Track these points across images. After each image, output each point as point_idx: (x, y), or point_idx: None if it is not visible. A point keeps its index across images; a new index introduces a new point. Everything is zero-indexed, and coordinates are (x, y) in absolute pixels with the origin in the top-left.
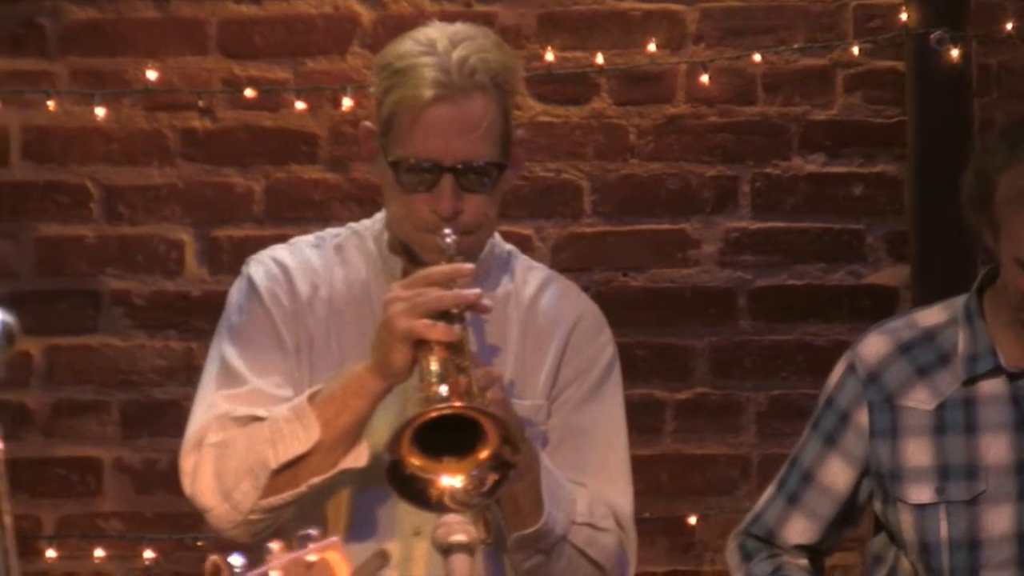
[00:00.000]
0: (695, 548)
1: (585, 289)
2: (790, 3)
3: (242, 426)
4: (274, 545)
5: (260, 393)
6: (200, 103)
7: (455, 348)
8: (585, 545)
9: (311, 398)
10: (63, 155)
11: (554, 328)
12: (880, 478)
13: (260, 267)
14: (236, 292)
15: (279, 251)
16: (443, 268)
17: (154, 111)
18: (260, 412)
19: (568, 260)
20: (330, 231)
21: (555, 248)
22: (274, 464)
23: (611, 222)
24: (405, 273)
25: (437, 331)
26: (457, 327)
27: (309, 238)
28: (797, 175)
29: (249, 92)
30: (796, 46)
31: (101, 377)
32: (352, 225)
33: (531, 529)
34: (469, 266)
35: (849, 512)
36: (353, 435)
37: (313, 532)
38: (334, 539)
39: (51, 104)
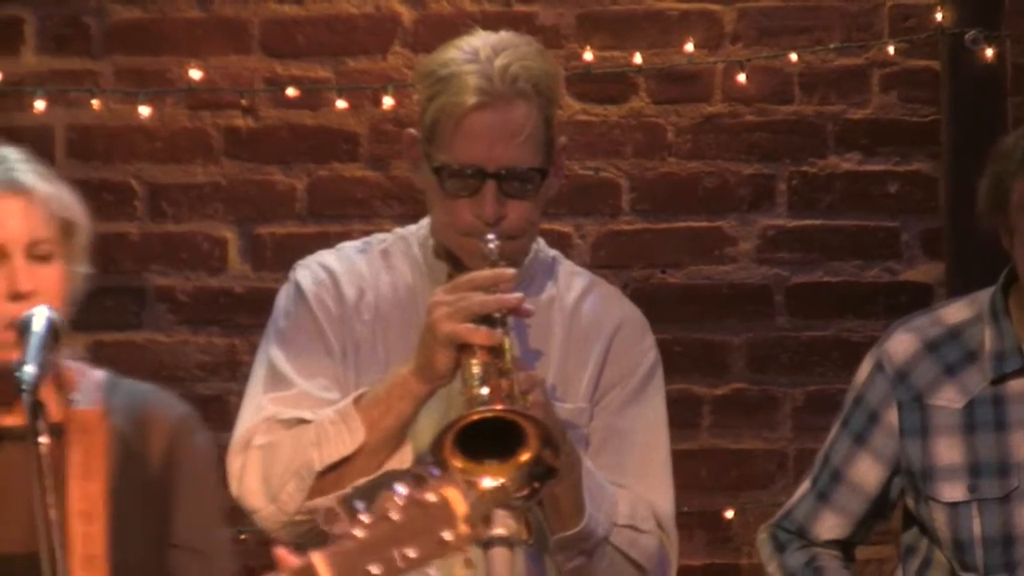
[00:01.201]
0: (732, 541)
1: (623, 286)
2: (826, 3)
3: (288, 428)
4: (401, 488)
5: (307, 396)
6: (243, 102)
7: (497, 352)
8: (627, 546)
9: (356, 401)
10: (108, 153)
11: (597, 333)
12: (911, 476)
13: (308, 273)
14: (284, 297)
15: (326, 257)
16: (486, 273)
17: (197, 110)
18: (306, 415)
19: (607, 257)
20: (376, 236)
21: (594, 245)
22: (319, 466)
23: (649, 220)
24: (450, 278)
25: (479, 335)
26: (499, 331)
27: (356, 243)
28: (833, 173)
29: (291, 91)
30: (832, 46)
31: (146, 372)
32: (398, 231)
33: (573, 531)
34: (511, 271)
35: (880, 508)
36: (397, 437)
37: (434, 471)
38: (453, 476)
39: (96, 103)
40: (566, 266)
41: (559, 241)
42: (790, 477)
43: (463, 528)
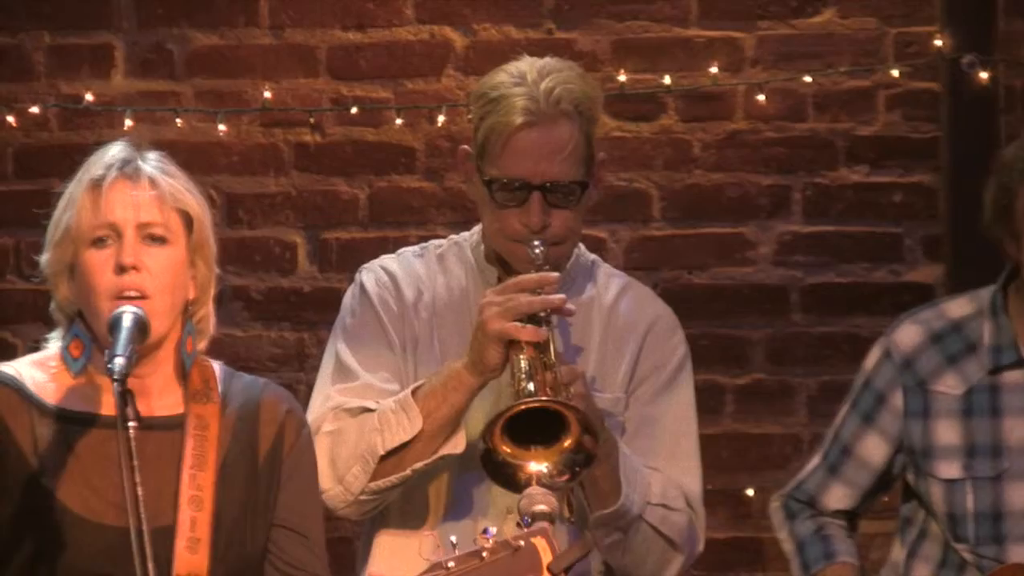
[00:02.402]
0: (752, 517)
1: (654, 286)
2: (837, 31)
3: (353, 416)
4: (492, 529)
5: (370, 387)
6: (311, 120)
7: (542, 348)
8: (659, 523)
9: (414, 392)
10: (189, 167)
11: (632, 329)
12: (912, 454)
13: (371, 275)
14: (350, 297)
15: (388, 261)
16: (532, 276)
17: (270, 127)
18: (370, 404)
19: (638, 260)
20: (433, 242)
21: (627, 249)
22: (382, 450)
23: (677, 226)
24: (499, 281)
25: (526, 332)
26: (544, 329)
27: (414, 248)
28: (843, 184)
29: (354, 110)
30: (842, 69)
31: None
32: (453, 237)
33: (610, 509)
34: (555, 275)
35: (883, 482)
36: (452, 425)
37: (542, 508)
38: (544, 526)
39: (179, 121)
40: (604, 269)
41: (596, 245)
42: (805, 459)
43: (546, 575)
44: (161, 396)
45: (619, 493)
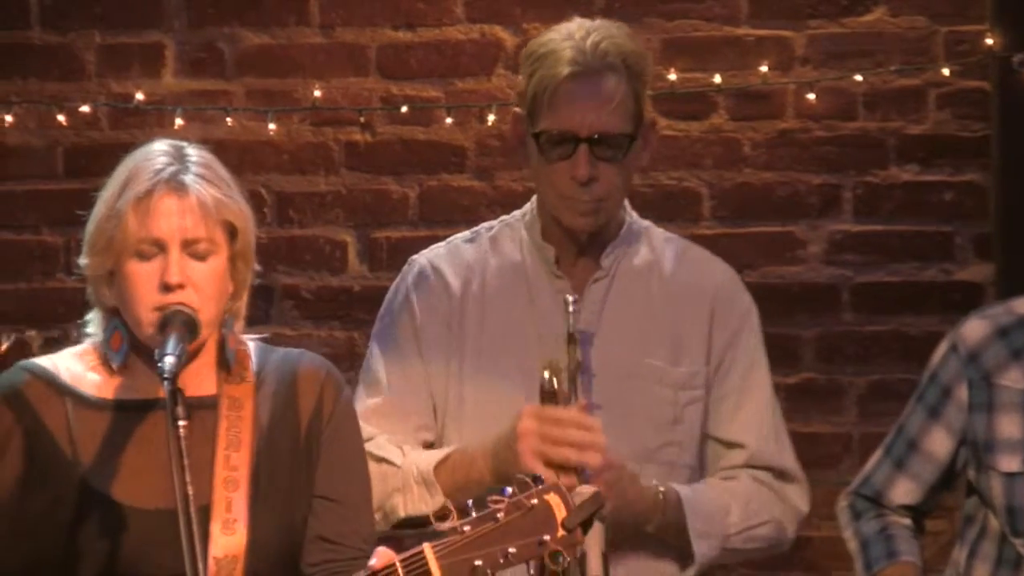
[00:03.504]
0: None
1: None
2: (887, 30)
3: (376, 463)
4: (508, 488)
5: (393, 405)
6: (361, 119)
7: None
8: (745, 543)
9: (437, 467)
10: (239, 165)
11: (700, 296)
12: (975, 448)
13: (415, 273)
14: (392, 292)
15: (436, 252)
16: (575, 417)
17: (320, 126)
18: (395, 458)
19: None
20: (484, 225)
21: None
22: (403, 514)
23: (727, 225)
24: (557, 262)
25: (562, 481)
26: (574, 479)
27: (465, 234)
28: (894, 183)
29: (404, 109)
30: (892, 68)
31: None
32: (504, 218)
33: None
34: (599, 426)
35: (948, 477)
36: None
37: (538, 475)
38: (556, 482)
39: (229, 120)
40: (658, 233)
41: None
42: (855, 457)
43: (561, 532)
44: (198, 378)
45: (691, 554)
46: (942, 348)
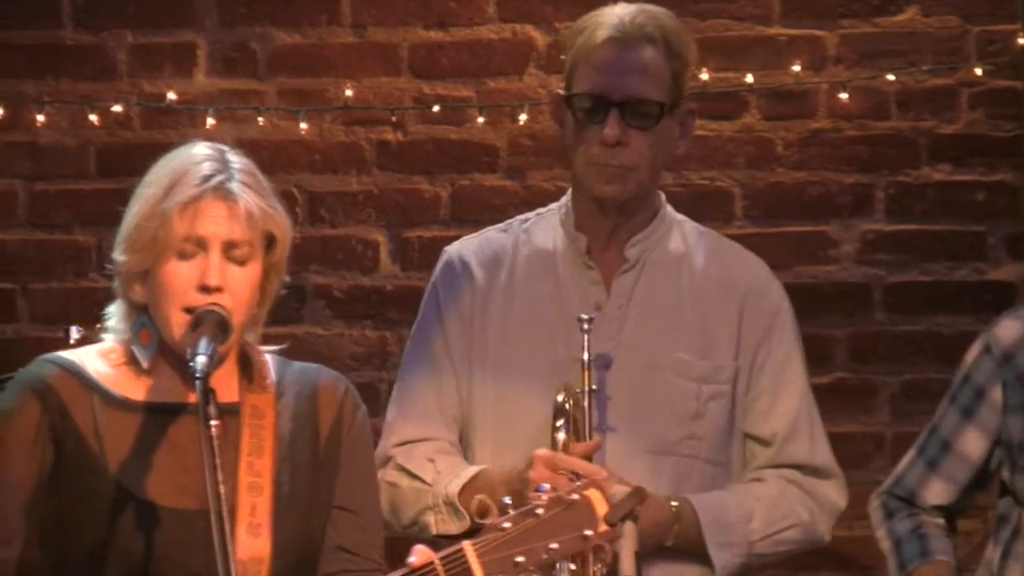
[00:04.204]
0: None
1: None
2: (919, 29)
3: (410, 479)
4: (545, 485)
5: (421, 415)
6: (393, 118)
7: None
8: (771, 548)
9: (462, 490)
10: (271, 165)
11: (730, 291)
12: (1009, 448)
13: (444, 265)
14: (426, 294)
15: (468, 244)
16: (586, 468)
17: (352, 125)
18: (426, 475)
19: None
20: (520, 216)
21: None
22: (435, 532)
23: (759, 224)
24: (589, 252)
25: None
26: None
27: (499, 225)
28: (926, 183)
29: (436, 108)
30: (925, 68)
31: (305, 362)
32: (540, 210)
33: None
34: (604, 472)
35: (982, 477)
36: None
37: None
38: (596, 479)
39: (261, 120)
40: (691, 225)
41: None
42: (887, 457)
43: (602, 527)
44: (220, 384)
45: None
46: (975, 349)
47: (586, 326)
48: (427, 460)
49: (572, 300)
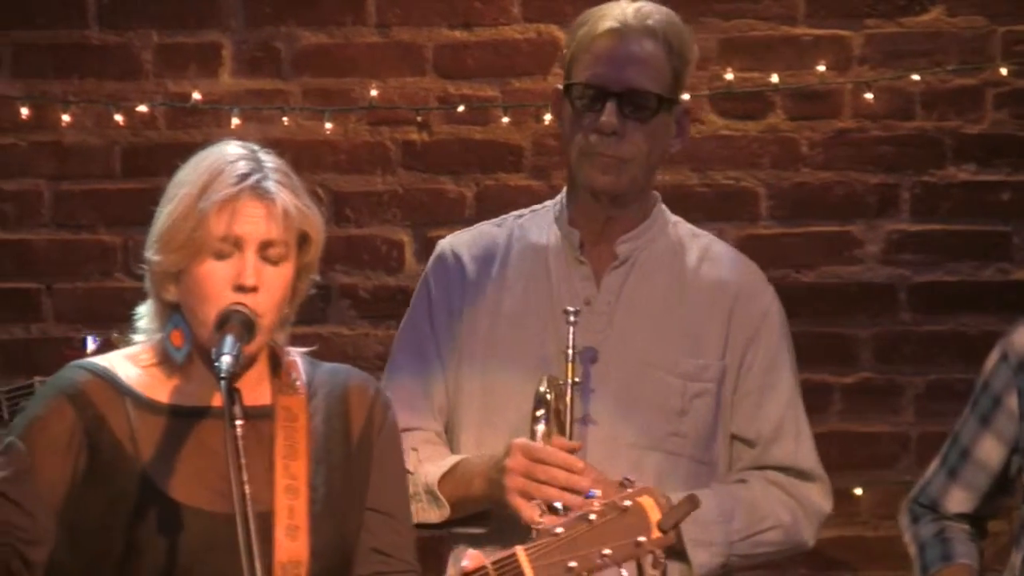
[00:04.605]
0: (860, 516)
1: None
2: (945, 29)
3: None
4: (596, 491)
5: (407, 405)
6: (418, 118)
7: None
8: (751, 550)
9: (442, 479)
10: (296, 165)
11: (720, 292)
12: None
13: (437, 257)
14: (418, 285)
15: (461, 237)
16: (561, 458)
17: (377, 125)
18: (409, 463)
19: None
20: (515, 212)
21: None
22: (415, 520)
23: (785, 224)
24: (582, 247)
25: (545, 521)
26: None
27: (494, 220)
28: (951, 183)
29: (461, 108)
30: (950, 68)
31: (331, 362)
32: (535, 207)
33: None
34: (581, 463)
35: (1002, 485)
36: (479, 510)
37: (631, 478)
38: (649, 486)
39: (286, 119)
40: (686, 227)
41: None
42: (912, 457)
43: (656, 533)
44: (253, 388)
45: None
46: (994, 356)
47: (572, 318)
48: (411, 449)
49: (562, 294)
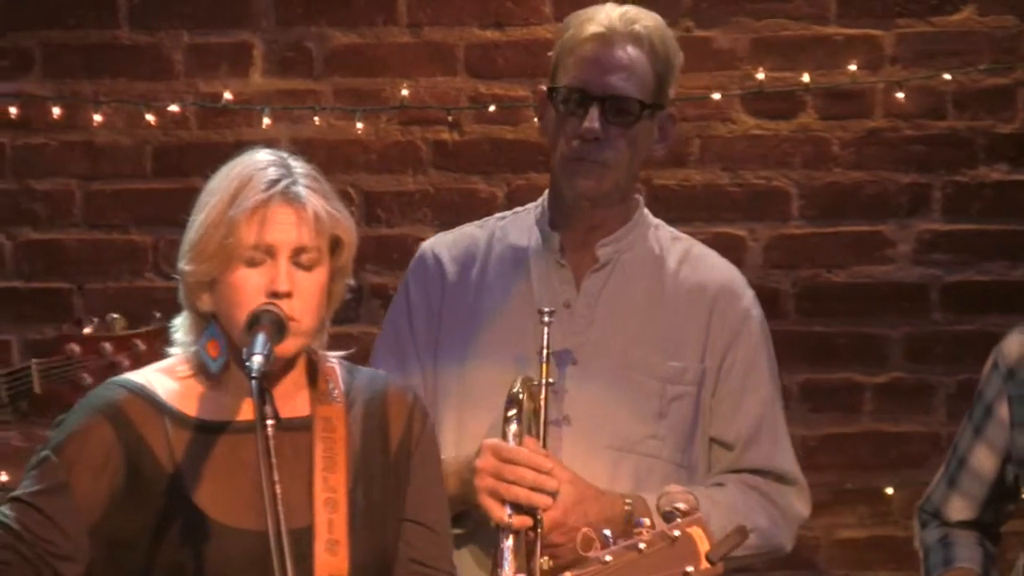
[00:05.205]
0: (892, 515)
1: (792, 284)
2: (976, 29)
3: None
4: (644, 519)
5: None
6: (449, 118)
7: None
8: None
9: None
10: (327, 165)
11: (700, 295)
12: (1021, 465)
13: (417, 258)
14: (400, 286)
15: (442, 238)
16: (530, 458)
17: (408, 125)
18: None
19: (777, 258)
20: (498, 214)
21: (766, 248)
22: None
23: (816, 224)
24: (562, 249)
25: (515, 521)
26: (528, 519)
27: (477, 222)
28: (983, 182)
29: (492, 108)
30: (982, 67)
31: (362, 361)
32: (518, 209)
33: None
34: (549, 464)
35: (1000, 492)
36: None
37: (681, 506)
38: (699, 516)
39: (317, 119)
40: (667, 231)
41: (734, 243)
42: (943, 457)
43: (705, 564)
44: (291, 399)
45: None
46: (987, 364)
47: (546, 319)
48: None
49: (542, 297)
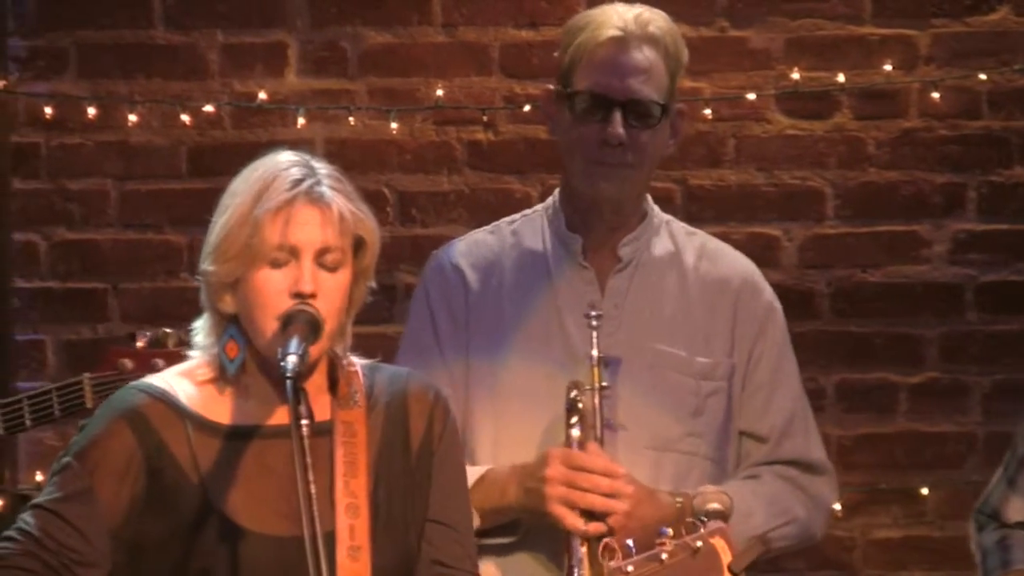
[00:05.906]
0: (927, 516)
1: (827, 284)
2: (1012, 29)
3: None
4: (668, 529)
5: None
6: (484, 118)
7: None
8: (772, 541)
9: (472, 489)
10: (362, 165)
11: (723, 290)
12: None
13: (435, 267)
14: (415, 298)
15: (456, 247)
16: (602, 464)
17: (443, 125)
18: None
19: (812, 258)
20: (505, 219)
21: (800, 247)
22: None
23: (851, 224)
24: (584, 252)
25: (591, 528)
26: (603, 525)
27: (487, 227)
28: (1018, 182)
29: (527, 108)
30: (1017, 67)
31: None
32: (525, 212)
33: None
34: (622, 469)
35: None
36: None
37: (715, 506)
38: (721, 526)
39: (352, 119)
40: (680, 226)
41: (768, 243)
42: (979, 457)
43: (727, 575)
44: (312, 403)
45: None
46: None
47: (594, 322)
48: None
49: (566, 301)
